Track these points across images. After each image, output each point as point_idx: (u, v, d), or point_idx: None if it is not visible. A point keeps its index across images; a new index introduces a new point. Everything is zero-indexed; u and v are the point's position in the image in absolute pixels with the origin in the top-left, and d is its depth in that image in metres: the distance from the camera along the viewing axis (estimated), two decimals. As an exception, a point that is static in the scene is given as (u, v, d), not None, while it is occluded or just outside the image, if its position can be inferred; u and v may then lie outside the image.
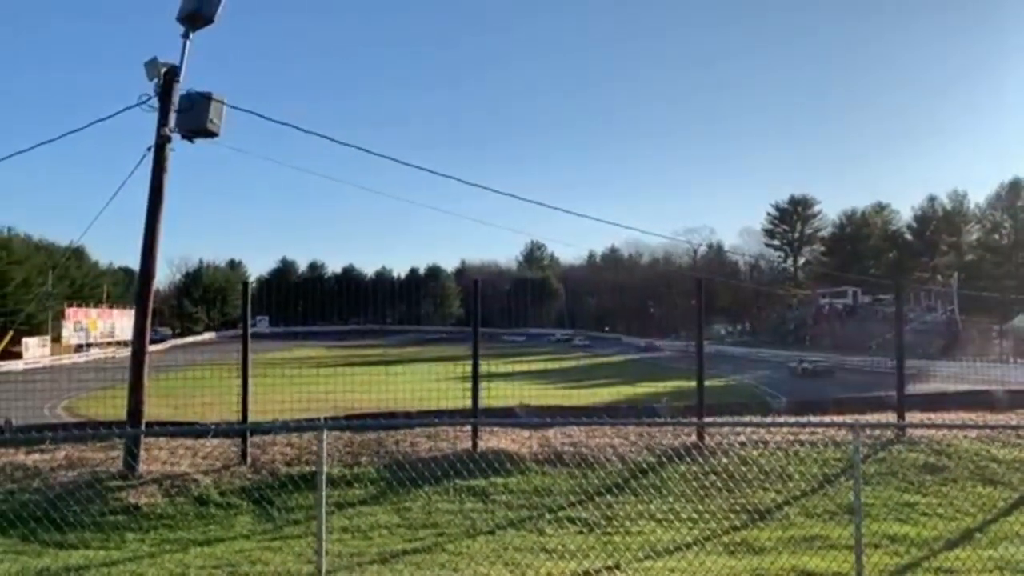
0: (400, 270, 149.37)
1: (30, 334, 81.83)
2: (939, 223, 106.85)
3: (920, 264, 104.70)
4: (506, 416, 13.03)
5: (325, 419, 9.33)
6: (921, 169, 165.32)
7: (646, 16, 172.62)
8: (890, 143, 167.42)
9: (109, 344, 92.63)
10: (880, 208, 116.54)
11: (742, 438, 10.63)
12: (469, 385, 10.92)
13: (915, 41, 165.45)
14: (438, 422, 11.27)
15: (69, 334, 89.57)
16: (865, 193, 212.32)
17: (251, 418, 10.48)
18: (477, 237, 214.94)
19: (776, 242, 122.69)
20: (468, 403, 10.90)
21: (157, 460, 10.02)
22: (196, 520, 8.70)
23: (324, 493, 5.96)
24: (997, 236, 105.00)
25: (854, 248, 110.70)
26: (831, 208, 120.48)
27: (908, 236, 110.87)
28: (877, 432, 10.79)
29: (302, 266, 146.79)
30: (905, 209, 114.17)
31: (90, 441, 10.79)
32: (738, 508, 8.65)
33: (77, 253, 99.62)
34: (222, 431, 10.76)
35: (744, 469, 9.43)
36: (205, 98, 10.39)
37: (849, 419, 10.70)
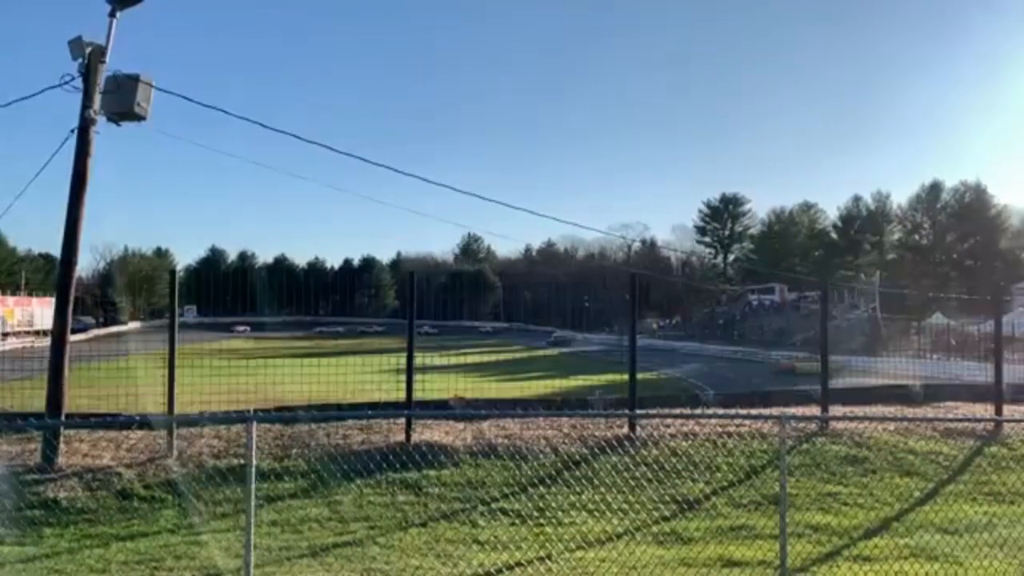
0: (334, 261, 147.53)
1: (-59, 322, 78.24)
2: (863, 223, 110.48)
3: (845, 262, 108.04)
4: (441, 408, 12.99)
5: (255, 411, 9.15)
6: (847, 170, 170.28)
7: (585, 20, 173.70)
8: (818, 144, 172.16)
9: (27, 333, 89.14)
10: (807, 207, 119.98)
11: (672, 430, 10.81)
12: (403, 377, 10.85)
13: (842, 46, 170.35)
14: (371, 414, 11.18)
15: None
16: (793, 192, 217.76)
17: (178, 410, 10.23)
18: (413, 229, 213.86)
19: (707, 239, 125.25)
20: (402, 395, 10.83)
21: (78, 453, 9.70)
22: (118, 514, 8.45)
23: (253, 486, 5.83)
24: (917, 236, 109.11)
25: (782, 246, 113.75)
26: (760, 207, 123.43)
27: (833, 235, 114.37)
28: (802, 425, 11.10)
29: (232, 255, 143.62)
30: (831, 209, 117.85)
31: (5, 433, 10.37)
32: (668, 499, 8.79)
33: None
34: (147, 423, 10.46)
35: (674, 460, 9.60)
36: (132, 80, 10.06)
37: (775, 412, 11.00)
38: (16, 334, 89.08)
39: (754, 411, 12.57)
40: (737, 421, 11.06)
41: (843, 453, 10.36)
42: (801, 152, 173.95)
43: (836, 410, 12.31)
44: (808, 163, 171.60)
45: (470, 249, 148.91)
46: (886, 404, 13.68)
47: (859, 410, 12.92)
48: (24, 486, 8.78)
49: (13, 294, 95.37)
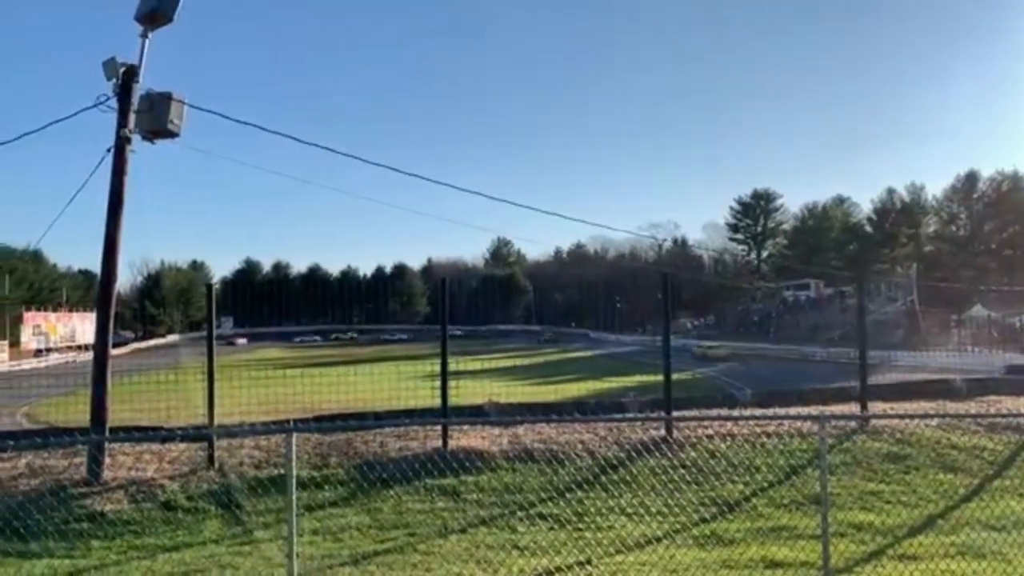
0: (366, 269, 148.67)
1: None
2: (898, 215, 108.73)
3: (880, 256, 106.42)
4: (476, 414, 13.02)
5: (293, 422, 9.24)
6: (880, 163, 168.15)
7: (610, 17, 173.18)
8: (850, 137, 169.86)
9: (69, 348, 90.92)
10: (840, 201, 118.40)
11: (710, 431, 10.73)
12: (437, 383, 10.89)
13: (873, 39, 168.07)
14: (408, 422, 11.23)
15: (28, 339, 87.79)
16: (826, 187, 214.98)
17: (217, 421, 10.36)
18: (443, 235, 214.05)
19: (740, 236, 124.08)
20: (437, 402, 10.88)
21: (122, 466, 9.86)
22: (163, 526, 8.58)
23: (294, 496, 5.91)
24: (954, 227, 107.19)
25: (816, 241, 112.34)
26: (793, 202, 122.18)
27: (868, 228, 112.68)
28: (842, 423, 10.96)
29: (267, 266, 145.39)
30: (865, 202, 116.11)
31: (52, 448, 10.59)
32: (707, 501, 8.74)
33: (35, 256, 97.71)
34: (188, 436, 10.62)
35: (712, 462, 9.53)
36: (165, 98, 10.23)
37: (814, 411, 10.88)
38: (59, 349, 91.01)
39: (792, 410, 12.45)
40: (776, 421, 10.96)
41: (884, 450, 10.22)
42: (833, 146, 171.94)
43: (876, 407, 12.14)
44: (840, 157, 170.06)
45: (500, 253, 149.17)
46: (927, 399, 13.44)
47: (900, 406, 12.73)
48: (71, 499, 8.96)
49: (55, 310, 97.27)
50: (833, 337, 69.13)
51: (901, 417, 10.84)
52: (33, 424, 27.80)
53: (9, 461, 10.19)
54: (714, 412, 12.55)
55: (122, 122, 10.11)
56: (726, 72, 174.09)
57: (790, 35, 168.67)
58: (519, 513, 8.61)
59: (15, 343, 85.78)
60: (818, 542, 6.60)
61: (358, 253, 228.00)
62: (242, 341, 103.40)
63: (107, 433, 9.95)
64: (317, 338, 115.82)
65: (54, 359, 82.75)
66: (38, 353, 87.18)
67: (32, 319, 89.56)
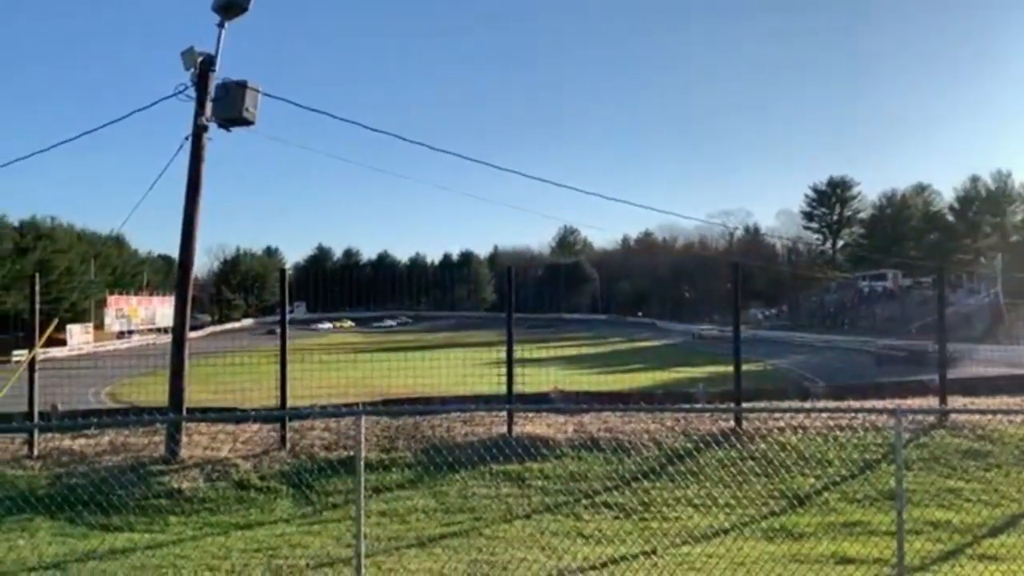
0: (434, 256, 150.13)
1: (74, 321, 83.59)
2: (982, 204, 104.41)
3: (962, 246, 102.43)
4: (541, 401, 13.05)
5: (363, 405, 9.41)
6: (963, 149, 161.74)
7: (686, 4, 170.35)
8: (931, 123, 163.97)
9: (150, 331, 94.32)
10: (921, 189, 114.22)
11: (780, 423, 10.51)
12: (503, 370, 10.93)
13: (956, 23, 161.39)
14: (474, 407, 11.30)
15: (111, 321, 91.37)
16: (905, 174, 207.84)
17: (289, 403, 10.59)
18: (510, 223, 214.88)
19: (814, 224, 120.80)
20: (503, 388, 10.91)
21: (198, 445, 10.18)
22: (237, 504, 8.83)
23: (362, 478, 6.00)
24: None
25: (894, 230, 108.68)
26: (871, 190, 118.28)
27: (950, 217, 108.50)
28: (919, 417, 10.61)
29: (338, 253, 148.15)
30: (947, 190, 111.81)
31: (133, 426, 11.01)
32: (776, 494, 8.57)
33: (118, 242, 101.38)
34: (261, 417, 10.90)
35: (783, 455, 9.33)
36: (240, 87, 10.44)
37: (890, 404, 10.56)
38: (140, 331, 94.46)
39: (867, 403, 12.11)
40: (850, 414, 10.67)
41: (964, 447, 9.85)
42: (913, 132, 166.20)
43: (956, 401, 11.72)
44: (920, 143, 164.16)
45: (567, 241, 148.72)
46: (1011, 395, 12.91)
47: (981, 401, 12.27)
48: (151, 476, 9.29)
49: (136, 294, 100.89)
50: (911, 329, 67.03)
51: (983, 412, 10.44)
52: (115, 403, 28.98)
53: (93, 438, 10.62)
54: (785, 404, 12.29)
55: (199, 110, 10.36)
56: (801, 53, 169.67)
57: (872, 16, 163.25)
58: (584, 501, 8.58)
59: (99, 325, 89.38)
60: (892, 539, 6.41)
61: (426, 241, 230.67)
62: (326, 325, 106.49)
63: (184, 413, 10.28)
64: (392, 323, 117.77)
65: (135, 341, 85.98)
66: (120, 335, 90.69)
67: (115, 302, 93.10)
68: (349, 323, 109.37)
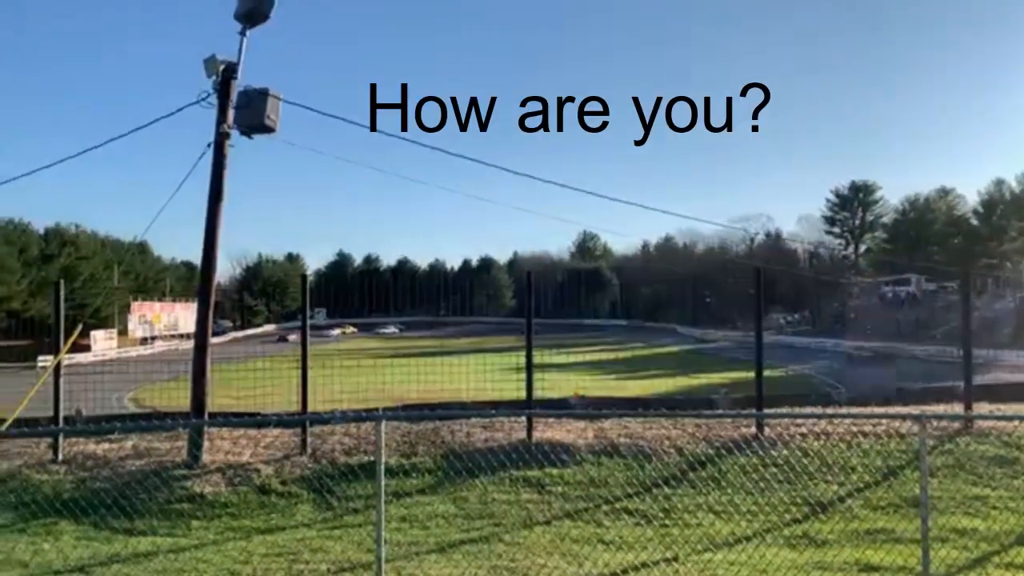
0: (453, 262, 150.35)
1: (97, 327, 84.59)
2: (1007, 207, 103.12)
3: (988, 250, 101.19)
4: (561, 407, 13.02)
5: (383, 410, 9.43)
6: (987, 152, 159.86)
7: (709, 9, 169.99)
8: (953, 126, 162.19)
9: (172, 337, 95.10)
10: (944, 193, 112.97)
11: (803, 429, 10.43)
12: (523, 376, 10.92)
13: (978, 26, 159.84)
14: (494, 413, 11.30)
15: (134, 327, 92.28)
16: (928, 178, 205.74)
17: (310, 408, 10.65)
18: (529, 228, 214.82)
19: (836, 229, 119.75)
20: (523, 394, 10.90)
21: (220, 450, 10.25)
22: (258, 509, 8.88)
23: (383, 483, 6.01)
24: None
25: (917, 234, 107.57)
26: (893, 194, 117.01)
27: (974, 221, 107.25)
28: (943, 424, 10.49)
29: (358, 259, 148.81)
30: (971, 194, 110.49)
31: (156, 431, 11.10)
32: (799, 501, 8.50)
33: (141, 248, 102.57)
34: (283, 422, 10.96)
35: (805, 461, 9.26)
36: (262, 94, 10.53)
37: (914, 410, 10.42)
38: (163, 337, 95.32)
39: (891, 409, 11.97)
40: (873, 420, 10.56)
41: (991, 453, 9.72)
42: (937, 135, 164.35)
43: (981, 407, 11.56)
44: (944, 146, 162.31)
45: (586, 246, 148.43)
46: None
47: (1007, 407, 12.09)
48: (173, 481, 9.36)
49: (159, 300, 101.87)
50: (935, 335, 66.30)
51: (1009, 419, 10.28)
52: (139, 408, 29.20)
53: (117, 442, 10.72)
54: (807, 410, 12.18)
55: (221, 118, 10.46)
56: (819, 57, 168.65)
57: (895, 20, 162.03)
58: (604, 507, 8.56)
59: (123, 331, 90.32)
60: (917, 546, 6.34)
61: (445, 247, 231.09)
62: (351, 330, 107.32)
63: (206, 418, 10.36)
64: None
65: (158, 347, 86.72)
66: (144, 341, 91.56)
67: (138, 308, 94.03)
68: (351, 329, 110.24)
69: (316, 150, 16.61)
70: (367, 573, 6.70)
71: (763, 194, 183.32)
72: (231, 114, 10.49)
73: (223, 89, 10.45)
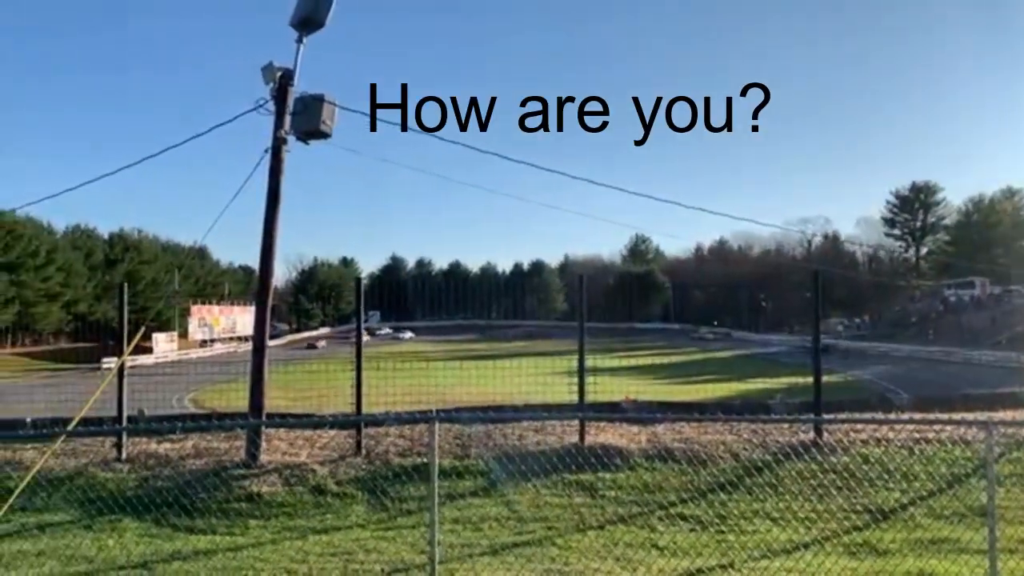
0: (504, 266, 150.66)
1: (159, 330, 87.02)
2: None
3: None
4: (613, 410, 12.94)
5: (437, 411, 9.48)
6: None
7: (757, 11, 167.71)
8: (1020, 124, 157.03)
9: (231, 339, 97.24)
10: (1011, 193, 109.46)
11: (863, 435, 10.18)
12: (573, 380, 10.88)
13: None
14: (546, 416, 11.28)
15: (194, 330, 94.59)
16: (993, 179, 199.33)
17: (364, 410, 10.75)
18: (581, 231, 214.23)
19: (896, 231, 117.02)
20: (574, 397, 10.86)
21: (277, 450, 10.41)
22: (314, 509, 9.00)
23: (436, 484, 6.04)
24: None
25: (981, 236, 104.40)
26: (956, 195, 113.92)
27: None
28: (1011, 430, 10.15)
29: (411, 263, 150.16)
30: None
31: (215, 431, 11.33)
32: (859, 508, 8.30)
33: (200, 253, 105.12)
34: (338, 423, 11.08)
35: (865, 468, 9.04)
36: (318, 100, 10.68)
37: (981, 416, 10.12)
38: (221, 340, 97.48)
39: (956, 415, 11.63)
40: (937, 427, 10.26)
41: (1062, 463, 9.37)
42: (1001, 135, 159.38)
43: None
44: (1009, 146, 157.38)
45: (638, 249, 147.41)
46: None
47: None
48: (232, 480, 9.54)
49: (218, 304, 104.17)
50: (1000, 340, 64.23)
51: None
52: (198, 409, 29.90)
53: (178, 442, 10.97)
54: (867, 415, 11.90)
55: (278, 124, 10.63)
56: (877, 54, 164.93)
57: (955, 19, 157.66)
58: (658, 512, 8.46)
59: (183, 334, 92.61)
60: (983, 557, 6.14)
61: (497, 250, 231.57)
62: (409, 335, 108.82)
63: (264, 419, 10.53)
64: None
65: (217, 349, 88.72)
66: (203, 343, 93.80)
67: (198, 312, 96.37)
68: (387, 330, 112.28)
69: (370, 155, 16.80)
70: (420, 574, 6.73)
71: (821, 196, 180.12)
72: (288, 120, 10.65)
73: (280, 96, 10.62)
